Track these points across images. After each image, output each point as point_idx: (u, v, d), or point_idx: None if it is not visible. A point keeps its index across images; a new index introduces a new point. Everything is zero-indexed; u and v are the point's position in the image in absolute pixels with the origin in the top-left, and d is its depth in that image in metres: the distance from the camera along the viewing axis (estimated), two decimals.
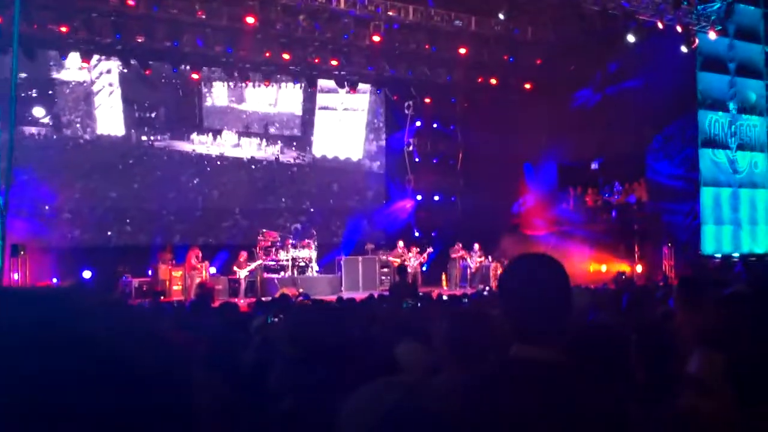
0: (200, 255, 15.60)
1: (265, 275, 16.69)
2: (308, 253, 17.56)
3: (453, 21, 16.46)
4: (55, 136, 17.63)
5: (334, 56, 17.03)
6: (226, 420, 2.33)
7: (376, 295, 9.80)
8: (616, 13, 15.46)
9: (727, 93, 16.80)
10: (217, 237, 18.80)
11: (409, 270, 15.32)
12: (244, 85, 18.82)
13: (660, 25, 15.60)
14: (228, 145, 19.64)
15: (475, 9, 16.58)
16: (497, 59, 17.88)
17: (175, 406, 0.69)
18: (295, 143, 20.63)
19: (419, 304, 7.23)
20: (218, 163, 19.49)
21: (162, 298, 13.83)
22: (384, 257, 18.06)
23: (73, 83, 17.79)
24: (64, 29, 14.65)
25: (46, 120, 17.55)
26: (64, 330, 0.66)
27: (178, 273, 15.47)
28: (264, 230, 17.53)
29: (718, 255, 16.44)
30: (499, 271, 16.28)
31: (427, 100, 20.46)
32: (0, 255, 12.35)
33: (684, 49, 16.08)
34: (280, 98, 20.28)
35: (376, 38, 15.82)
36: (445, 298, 10.33)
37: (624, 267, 16.98)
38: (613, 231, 17.83)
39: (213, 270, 16.38)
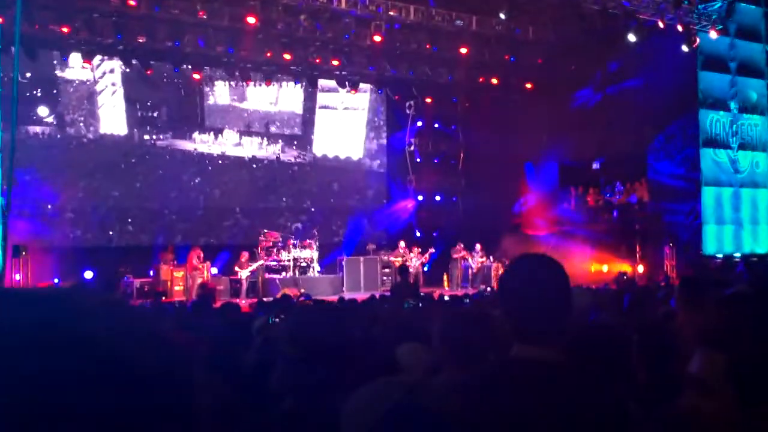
0: (202, 255, 15.62)
1: (267, 276, 16.69)
2: (310, 253, 17.56)
3: (454, 21, 16.46)
4: (59, 135, 17.69)
5: (336, 56, 17.02)
6: (227, 420, 2.33)
7: (377, 296, 9.81)
8: (616, 12, 15.45)
9: (728, 92, 16.78)
10: (219, 237, 18.82)
11: (410, 270, 15.32)
12: (245, 84, 18.83)
13: (661, 25, 15.58)
14: (229, 144, 19.67)
15: (475, 9, 16.58)
16: (498, 59, 17.87)
17: (176, 407, 0.69)
18: (295, 142, 20.65)
19: (421, 305, 7.23)
20: (220, 162, 19.52)
21: (163, 298, 13.84)
22: (385, 257, 18.07)
23: (76, 82, 17.85)
24: (65, 29, 14.65)
25: (50, 119, 17.61)
26: (66, 330, 0.66)
27: (179, 273, 15.48)
28: (265, 230, 17.54)
29: (720, 255, 16.43)
30: (501, 272, 16.27)
31: (428, 100, 20.45)
32: (1, 256, 12.39)
33: (685, 48, 16.06)
34: (280, 97, 20.30)
35: (377, 38, 15.82)
36: (446, 298, 10.34)
37: (625, 267, 16.96)
38: (614, 231, 17.82)
39: (214, 270, 16.39)
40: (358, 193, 21.38)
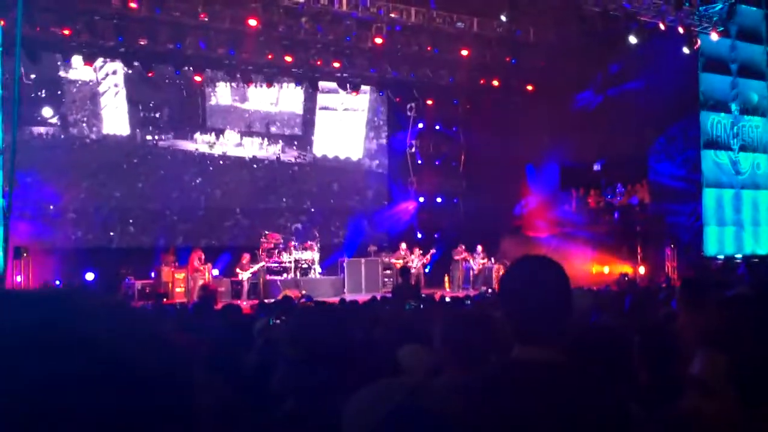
0: (203, 257, 15.62)
1: (268, 277, 16.68)
2: (311, 254, 17.56)
3: (455, 23, 16.48)
4: (62, 136, 17.75)
5: (337, 58, 17.03)
6: (229, 422, 2.33)
7: (378, 297, 9.80)
8: (617, 14, 15.46)
9: (729, 94, 16.78)
10: (220, 239, 18.84)
11: (412, 272, 15.32)
12: (246, 85, 18.86)
13: (662, 27, 15.59)
14: (230, 144, 19.70)
15: (477, 11, 16.60)
16: (499, 61, 17.88)
17: (177, 408, 0.69)
18: (296, 142, 20.67)
19: (422, 306, 7.23)
20: (221, 162, 19.55)
21: (165, 300, 13.81)
22: (387, 259, 18.07)
23: (79, 82, 17.90)
24: (66, 32, 14.66)
25: (54, 120, 17.68)
26: (66, 331, 0.66)
27: (180, 275, 15.49)
28: (267, 232, 17.53)
29: (721, 256, 16.43)
30: (502, 273, 16.26)
31: (430, 102, 20.45)
32: (3, 257, 12.41)
33: (686, 50, 16.07)
34: (281, 97, 20.33)
35: (379, 40, 15.83)
36: (447, 299, 10.34)
37: (627, 268, 16.96)
38: (615, 232, 17.82)
39: (216, 272, 16.40)
40: (358, 194, 21.40)
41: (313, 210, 20.36)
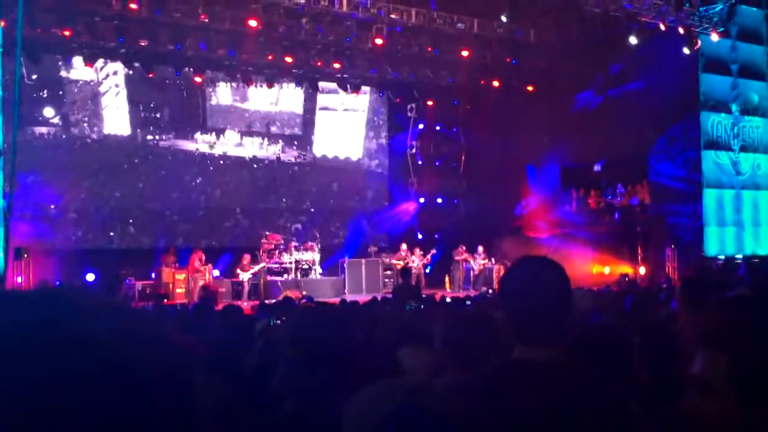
0: (203, 258, 15.63)
1: (269, 278, 16.67)
2: (311, 255, 17.56)
3: (455, 24, 16.47)
4: (63, 136, 17.75)
5: (337, 59, 17.03)
6: (229, 422, 2.34)
7: (379, 298, 9.80)
8: (618, 15, 15.46)
9: (730, 95, 16.79)
10: (220, 239, 18.84)
11: (412, 272, 15.31)
12: (246, 85, 18.86)
13: (662, 27, 15.59)
14: (231, 144, 19.70)
15: (477, 12, 16.60)
16: (500, 62, 17.88)
17: (177, 409, 0.69)
18: (296, 142, 20.67)
19: (422, 307, 7.23)
20: (221, 162, 19.55)
21: (165, 300, 13.80)
22: (387, 260, 18.06)
23: (81, 82, 17.91)
24: (67, 33, 14.67)
25: (56, 120, 17.69)
26: (67, 332, 0.66)
27: (181, 276, 15.49)
28: (267, 233, 17.53)
29: (721, 257, 16.42)
30: (502, 274, 16.26)
31: (430, 103, 20.45)
32: (3, 258, 12.41)
33: (686, 50, 16.07)
34: (281, 97, 20.32)
35: (379, 41, 15.83)
36: (448, 300, 10.34)
37: (627, 269, 16.95)
38: (616, 233, 17.81)
39: (216, 273, 16.39)
40: (358, 194, 21.40)
41: (313, 210, 20.35)
